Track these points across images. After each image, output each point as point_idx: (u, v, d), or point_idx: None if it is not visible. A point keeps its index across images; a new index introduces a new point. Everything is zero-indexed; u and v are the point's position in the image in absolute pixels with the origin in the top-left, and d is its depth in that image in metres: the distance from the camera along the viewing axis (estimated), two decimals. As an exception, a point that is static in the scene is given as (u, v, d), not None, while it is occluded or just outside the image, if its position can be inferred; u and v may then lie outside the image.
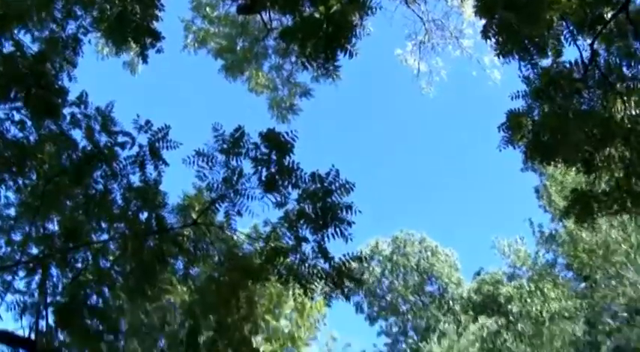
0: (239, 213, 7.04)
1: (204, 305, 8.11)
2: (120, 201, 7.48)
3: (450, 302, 31.14)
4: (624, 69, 6.60)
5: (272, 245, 6.91)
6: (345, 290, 6.84)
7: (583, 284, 22.19)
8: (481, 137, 35.54)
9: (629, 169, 6.66)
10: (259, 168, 6.77)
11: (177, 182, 8.40)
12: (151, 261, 7.19)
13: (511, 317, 25.08)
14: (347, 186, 6.58)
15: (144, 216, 7.44)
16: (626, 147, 6.59)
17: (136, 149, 7.29)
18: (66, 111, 7.40)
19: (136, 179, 7.37)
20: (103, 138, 7.42)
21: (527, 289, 24.88)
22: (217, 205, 7.14)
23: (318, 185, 6.65)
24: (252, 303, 8.29)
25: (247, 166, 6.89)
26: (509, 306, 25.43)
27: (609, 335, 22.51)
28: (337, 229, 6.62)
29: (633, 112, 6.47)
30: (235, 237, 7.56)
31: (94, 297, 7.90)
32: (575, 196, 7.09)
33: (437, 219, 44.08)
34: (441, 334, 27.58)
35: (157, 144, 7.18)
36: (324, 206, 6.62)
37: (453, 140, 42.90)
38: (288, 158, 6.68)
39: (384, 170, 44.04)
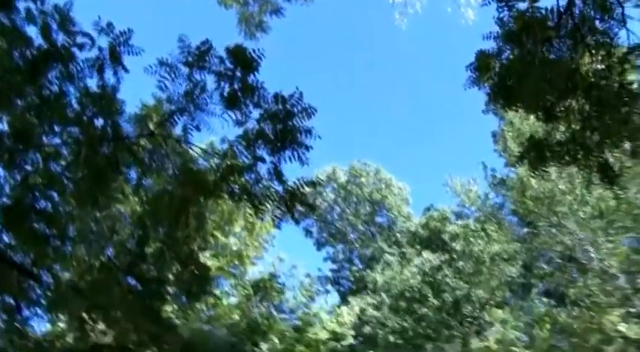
0: (197, 128, 6.95)
1: (154, 217, 8.10)
2: (75, 105, 7.25)
3: (398, 234, 32.00)
4: (597, 22, 6.59)
5: (228, 162, 6.88)
6: (296, 214, 6.93)
7: (525, 230, 23.00)
8: (447, 75, 35.55)
9: (586, 122, 6.77)
10: (222, 83, 6.64)
11: (137, 91, 8.18)
12: (104, 169, 7.09)
13: (454, 255, 25.98)
14: (309, 110, 6.53)
15: (99, 122, 7.26)
16: (586, 101, 6.66)
17: (95, 52, 7.01)
18: (20, 5, 7.02)
19: (93, 84, 7.14)
20: (61, 38, 7.08)
21: (473, 229, 25.68)
22: (176, 118, 7.02)
23: (280, 106, 6.59)
24: (202, 219, 8.33)
25: (210, 81, 6.76)
26: (454, 244, 26.28)
27: (542, 278, 23.67)
28: (295, 152, 6.63)
29: (599, 67, 6.51)
30: (191, 152, 7.48)
31: (43, 201, 7.80)
32: (530, 143, 7.20)
33: (394, 152, 44.62)
34: (385, 264, 28.44)
35: (117, 49, 6.91)
36: (284, 128, 6.59)
37: (419, 75, 42.81)
38: (252, 76, 6.57)
39: (347, 98, 43.88)
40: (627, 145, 6.70)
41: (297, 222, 6.99)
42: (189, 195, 7.19)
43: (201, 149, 7.51)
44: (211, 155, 7.35)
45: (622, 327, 17.32)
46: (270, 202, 6.82)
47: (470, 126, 38.99)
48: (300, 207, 6.87)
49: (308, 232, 33.93)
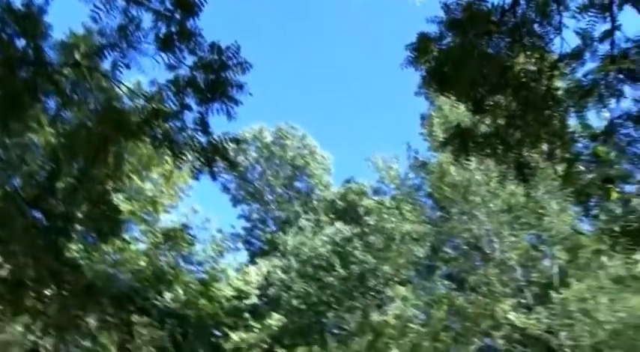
0: (127, 66, 6.66)
1: (70, 151, 7.79)
2: (-5, 21, 6.77)
3: (315, 202, 32.30)
4: (536, 25, 6.78)
5: (154, 105, 6.69)
6: (215, 169, 6.84)
7: (438, 214, 23.70)
8: (387, 51, 35.69)
9: (511, 120, 7.00)
10: (159, 23, 6.38)
11: (65, 18, 7.73)
12: (20, 94, 6.69)
13: (366, 229, 26.49)
14: (244, 65, 6.42)
15: (21, 43, 6.81)
16: (514, 99, 6.89)
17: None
18: None
19: (17, 0, 6.68)
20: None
21: (388, 206, 26.19)
22: (106, 52, 6.70)
23: (216, 57, 6.43)
24: (120, 160, 8.08)
25: (147, 20, 6.48)
26: (367, 218, 26.76)
27: (446, 262, 24.62)
28: (224, 105, 6.52)
29: (531, 68, 6.74)
30: (117, 90, 7.20)
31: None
32: (456, 131, 7.39)
33: (324, 120, 44.67)
34: (298, 229, 28.72)
35: (49, -33, 6.48)
36: (217, 79, 6.46)
37: (360, 47, 42.80)
38: (192, 21, 6.35)
39: (285, 59, 43.37)
40: (544, 147, 7.00)
41: (214, 178, 6.90)
42: (109, 133, 6.94)
43: (127, 88, 7.23)
44: (137, 95, 7.09)
45: (511, 316, 18.41)
46: (191, 152, 6.71)
47: (401, 105, 39.51)
48: (220, 162, 6.79)
49: (225, 188, 33.66)
